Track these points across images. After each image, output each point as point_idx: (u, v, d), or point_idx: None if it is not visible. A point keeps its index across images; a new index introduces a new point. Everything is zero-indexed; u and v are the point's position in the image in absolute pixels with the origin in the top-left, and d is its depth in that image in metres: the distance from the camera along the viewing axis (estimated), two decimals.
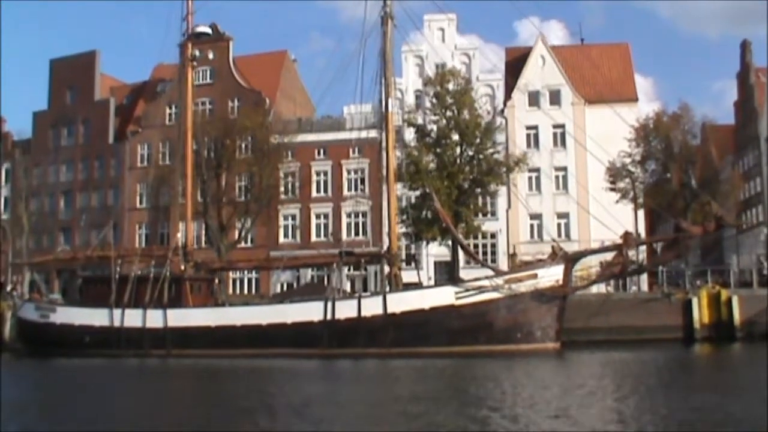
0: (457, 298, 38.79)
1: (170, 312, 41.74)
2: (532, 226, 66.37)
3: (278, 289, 65.85)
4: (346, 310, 39.37)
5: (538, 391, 23.84)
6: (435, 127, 51.99)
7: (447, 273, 62.40)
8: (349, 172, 68.68)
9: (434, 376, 29.96)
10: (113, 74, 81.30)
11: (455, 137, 50.56)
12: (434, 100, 52.02)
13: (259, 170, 59.73)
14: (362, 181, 67.94)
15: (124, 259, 45.49)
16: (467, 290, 39.09)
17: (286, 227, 69.00)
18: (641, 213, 61.80)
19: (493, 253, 64.69)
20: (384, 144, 66.39)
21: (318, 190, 68.77)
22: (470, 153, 50.76)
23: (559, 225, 65.88)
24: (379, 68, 44.99)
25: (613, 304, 44.63)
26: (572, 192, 65.12)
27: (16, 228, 70.25)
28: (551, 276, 39.08)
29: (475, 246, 60.91)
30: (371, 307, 39.16)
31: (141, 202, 73.27)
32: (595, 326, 42.84)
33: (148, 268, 51.94)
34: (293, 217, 68.73)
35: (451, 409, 20.40)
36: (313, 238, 67.95)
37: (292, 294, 46.97)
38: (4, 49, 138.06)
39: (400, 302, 39.16)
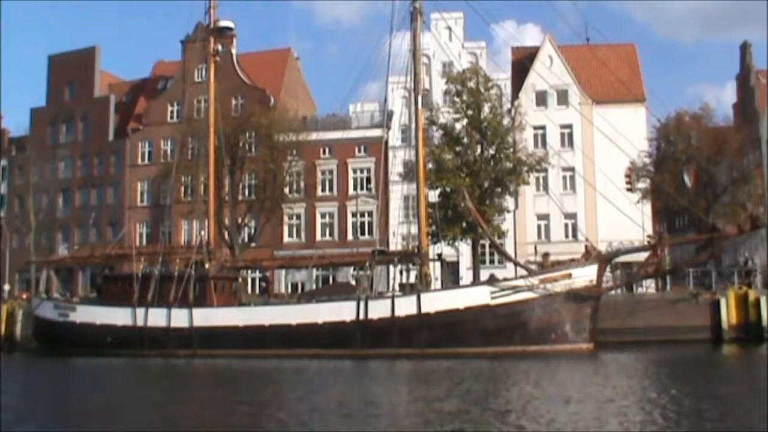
0: (492, 298, 38.35)
1: (196, 311, 41.03)
2: (539, 226, 66.33)
3: (283, 290, 65.19)
4: (379, 309, 38.76)
5: (599, 391, 23.54)
6: (456, 126, 51.58)
7: (453, 273, 62.18)
8: (354, 171, 68.20)
9: (489, 377, 29.46)
10: (110, 71, 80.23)
11: (476, 136, 50.21)
12: (456, 99, 51.60)
13: (275, 168, 59.07)
14: (368, 180, 67.46)
15: (146, 257, 44.51)
16: (502, 290, 38.64)
17: (290, 226, 68.41)
18: (648, 214, 61.92)
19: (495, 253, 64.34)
20: (395, 143, 66.87)
21: (323, 189, 68.23)
22: (491, 152, 50.47)
23: (566, 225, 65.77)
24: (408, 65, 44.63)
25: (641, 304, 44.29)
26: (580, 192, 65.14)
27: (24, 224, 69.00)
28: (585, 276, 38.71)
29: (482, 246, 60.61)
30: (405, 306, 38.54)
31: (142, 200, 72.43)
32: (623, 327, 42.50)
33: (148, 266, 51.27)
34: (298, 217, 68.11)
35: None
36: (318, 237, 67.46)
37: (318, 293, 46.21)
38: (2, 46, 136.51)
39: (434, 302, 38.60)
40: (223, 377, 32.09)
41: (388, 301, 39.05)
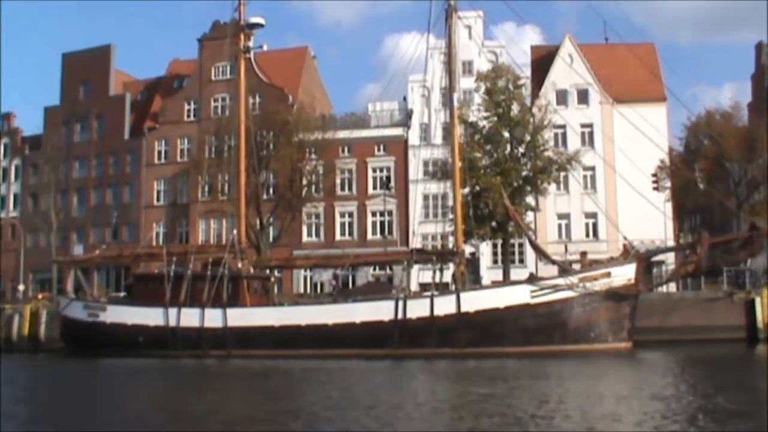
0: (533, 297, 38.04)
1: (230, 311, 40.52)
2: (559, 225, 65.96)
3: (302, 290, 64.80)
4: (418, 309, 38.41)
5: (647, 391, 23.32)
6: (485, 124, 51.27)
7: (473, 272, 61.75)
8: (374, 170, 67.82)
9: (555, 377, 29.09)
10: (124, 69, 79.62)
11: (506, 134, 49.93)
12: (485, 97, 51.30)
13: (302, 166, 58.80)
14: (387, 179, 67.05)
15: (178, 257, 43.96)
16: (542, 289, 38.32)
17: (309, 226, 67.98)
18: (670, 213, 61.73)
19: (521, 253, 64.12)
20: (414, 142, 66.57)
21: (342, 188, 67.72)
22: (521, 150, 50.19)
23: (587, 225, 65.54)
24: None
25: (675, 303, 44.15)
26: (600, 192, 64.79)
27: (46, 223, 68.44)
28: (624, 275, 38.48)
29: (503, 245, 60.29)
30: (444, 306, 38.18)
31: (158, 200, 71.95)
32: (658, 326, 42.26)
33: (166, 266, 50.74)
34: (317, 216, 67.66)
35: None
36: (338, 236, 67.06)
37: (353, 293, 45.79)
38: (13, 44, 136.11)
39: (474, 301, 38.27)
40: (272, 377, 31.45)
41: (427, 301, 38.72)
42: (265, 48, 49.84)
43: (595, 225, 65.28)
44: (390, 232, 65.72)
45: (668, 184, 55.11)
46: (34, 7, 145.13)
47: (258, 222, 57.81)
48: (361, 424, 18.37)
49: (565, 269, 40.35)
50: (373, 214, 67.21)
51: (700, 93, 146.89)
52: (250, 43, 45.93)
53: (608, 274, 38.42)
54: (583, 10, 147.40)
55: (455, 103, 43.86)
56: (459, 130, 52.64)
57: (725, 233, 48.44)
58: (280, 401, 23.12)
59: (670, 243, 57.86)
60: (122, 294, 54.91)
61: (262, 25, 45.09)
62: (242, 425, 19.09)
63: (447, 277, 44.11)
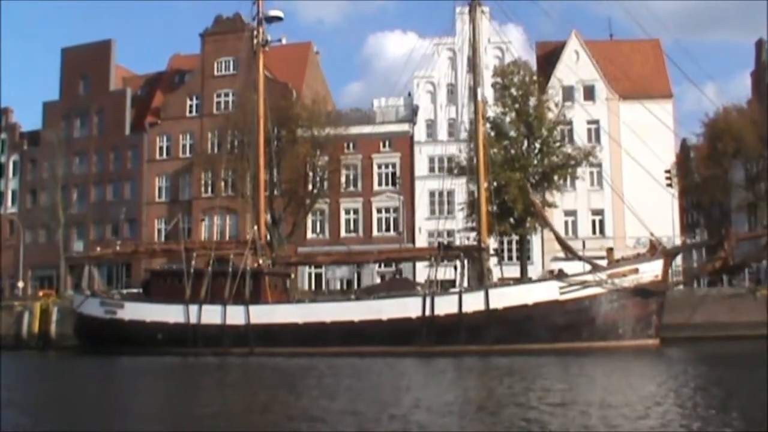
0: (561, 293, 37.78)
1: (253, 308, 40.02)
2: (566, 222, 65.71)
3: (306, 287, 64.15)
4: (445, 305, 38.05)
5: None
6: (501, 120, 51.04)
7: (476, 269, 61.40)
8: (379, 167, 67.32)
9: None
10: (123, 65, 78.75)
11: (523, 129, 49.74)
12: (503, 92, 51.09)
13: (315, 162, 58.32)
14: (393, 175, 66.66)
15: (197, 252, 43.35)
16: (571, 285, 38.05)
17: (314, 222, 67.38)
18: (676, 210, 61.77)
19: (528, 249, 63.80)
20: (420, 139, 66.24)
21: (348, 185, 67.12)
22: (537, 146, 49.96)
23: (593, 221, 65.43)
24: (465, 57, 44.11)
25: (697, 300, 43.98)
26: (607, 188, 64.61)
27: (54, 219, 67.50)
28: (651, 271, 38.29)
29: (509, 243, 60.06)
30: (472, 302, 37.88)
31: (160, 196, 71.14)
32: (683, 322, 42.03)
33: (167, 263, 50.29)
34: (321, 213, 67.05)
35: None
36: (343, 233, 66.47)
37: (376, 290, 45.15)
38: (12, 39, 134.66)
39: (502, 297, 37.97)
40: (307, 375, 30.88)
41: (455, 297, 38.38)
42: (284, 42, 49.18)
43: (601, 222, 65.28)
44: (396, 228, 65.33)
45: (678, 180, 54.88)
46: (33, 2, 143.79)
47: (270, 218, 57.15)
48: (419, 423, 17.97)
49: (593, 265, 40.02)
50: (379, 210, 66.77)
51: (683, 92, 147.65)
52: (269, 37, 45.01)
53: (636, 271, 38.22)
54: (562, 10, 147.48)
55: (479, 98, 43.17)
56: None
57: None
58: (328, 399, 22.76)
59: (678, 240, 57.81)
60: (125, 291, 54.06)
61: (281, 19, 44.67)
62: (301, 422, 18.67)
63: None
